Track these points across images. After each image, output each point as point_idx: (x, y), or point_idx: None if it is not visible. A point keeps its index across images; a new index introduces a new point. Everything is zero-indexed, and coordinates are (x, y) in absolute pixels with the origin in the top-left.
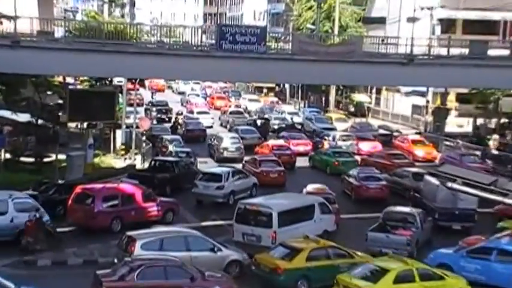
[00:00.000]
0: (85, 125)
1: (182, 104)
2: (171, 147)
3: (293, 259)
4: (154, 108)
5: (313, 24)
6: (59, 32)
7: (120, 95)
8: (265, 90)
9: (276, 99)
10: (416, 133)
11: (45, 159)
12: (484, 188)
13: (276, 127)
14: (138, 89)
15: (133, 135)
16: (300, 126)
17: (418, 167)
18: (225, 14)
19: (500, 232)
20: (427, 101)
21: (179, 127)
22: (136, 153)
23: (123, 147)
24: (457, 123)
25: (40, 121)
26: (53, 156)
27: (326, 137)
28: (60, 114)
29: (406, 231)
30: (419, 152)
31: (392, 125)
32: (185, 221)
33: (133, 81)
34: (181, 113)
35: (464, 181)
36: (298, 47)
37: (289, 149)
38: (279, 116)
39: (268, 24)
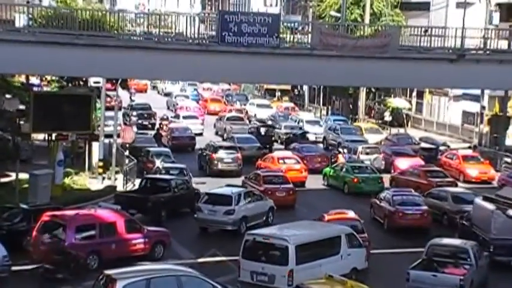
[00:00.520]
0: (53, 136)
1: (169, 108)
2: (158, 163)
3: None
4: (134, 113)
5: (338, 11)
6: (20, 21)
7: (97, 99)
8: (278, 94)
9: (291, 104)
10: (468, 147)
11: (2, 179)
12: None
13: (283, 137)
14: (115, 89)
15: (114, 150)
16: (313, 137)
17: (460, 187)
18: (229, 0)
19: None
20: (482, 108)
21: (163, 135)
22: (117, 172)
23: (101, 164)
24: None
25: None
26: (13, 176)
27: (341, 150)
28: (21, 122)
29: (459, 270)
30: (473, 171)
31: (437, 137)
32: (178, 257)
33: (114, 82)
34: (167, 118)
35: None
36: (320, 40)
37: (298, 162)
38: (289, 124)
39: (282, 11)
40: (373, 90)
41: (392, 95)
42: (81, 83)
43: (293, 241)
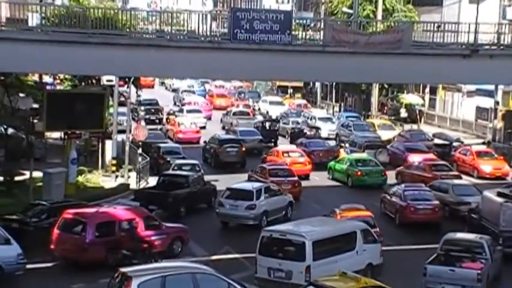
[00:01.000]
0: (66, 135)
1: (175, 103)
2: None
3: None
4: (142, 108)
5: (350, 7)
6: (33, 20)
7: (110, 97)
8: (290, 91)
9: (304, 101)
10: (482, 143)
11: (17, 178)
12: None
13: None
14: (127, 87)
15: (127, 148)
16: (326, 133)
17: (463, 179)
18: None
19: None
20: (496, 103)
21: (169, 129)
22: (130, 170)
23: (114, 162)
24: None
25: (10, 130)
26: (26, 174)
27: (342, 144)
28: (35, 121)
29: (475, 264)
30: (487, 167)
31: (451, 133)
32: (193, 254)
33: (127, 80)
34: (173, 113)
35: None
36: (332, 37)
37: (302, 155)
38: (295, 120)
39: (295, 8)
40: (386, 86)
41: (405, 91)
42: (94, 81)
43: (310, 237)
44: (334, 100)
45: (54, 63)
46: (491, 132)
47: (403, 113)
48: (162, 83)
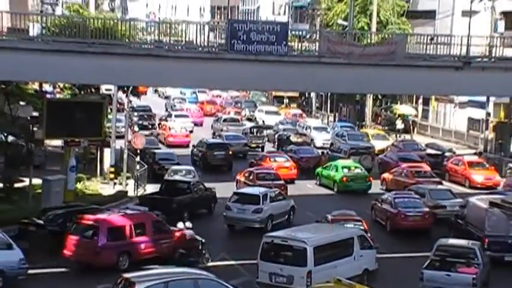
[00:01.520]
0: (65, 142)
1: (167, 110)
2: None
3: None
4: (135, 113)
5: (345, 19)
6: (34, 29)
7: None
8: (286, 101)
9: (299, 111)
10: (474, 154)
11: (16, 184)
12: None
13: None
14: (126, 95)
15: (125, 156)
16: (321, 143)
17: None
18: (238, 8)
19: None
20: (488, 114)
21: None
22: (128, 177)
23: (113, 169)
24: None
25: (10, 138)
26: (26, 181)
27: (324, 152)
28: (35, 129)
29: (470, 269)
30: (478, 177)
31: (443, 144)
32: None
33: (125, 89)
34: (165, 119)
35: None
36: (327, 48)
37: (288, 160)
38: (285, 127)
39: (291, 20)
40: (379, 97)
41: (398, 102)
42: (93, 90)
43: (311, 243)
44: (329, 110)
45: (54, 72)
46: (482, 142)
47: (399, 125)
48: (156, 91)
